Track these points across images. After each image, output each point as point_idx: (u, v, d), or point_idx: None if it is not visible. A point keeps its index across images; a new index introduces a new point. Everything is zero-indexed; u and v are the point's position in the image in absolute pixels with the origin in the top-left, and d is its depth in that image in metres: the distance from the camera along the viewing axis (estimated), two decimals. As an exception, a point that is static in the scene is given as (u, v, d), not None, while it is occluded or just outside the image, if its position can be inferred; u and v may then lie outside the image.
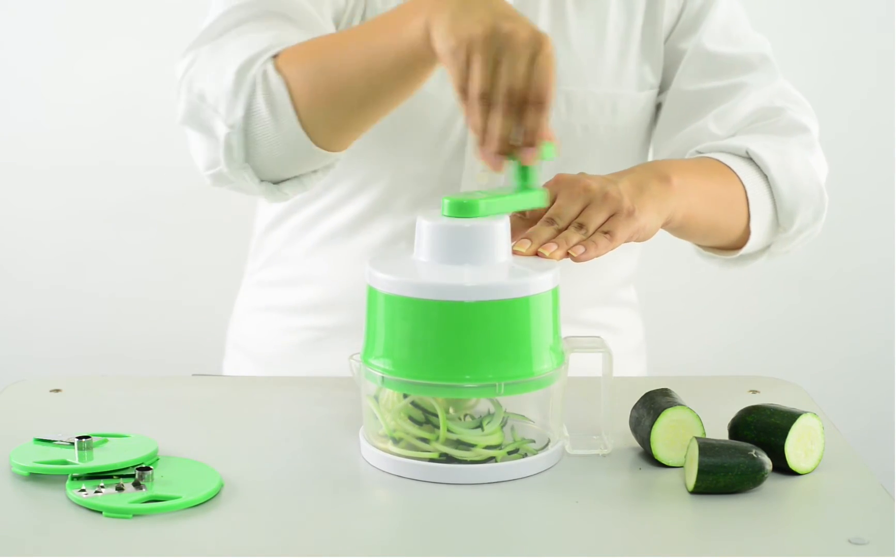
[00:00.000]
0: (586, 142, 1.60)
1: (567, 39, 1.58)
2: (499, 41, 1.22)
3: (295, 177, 1.42)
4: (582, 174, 1.36)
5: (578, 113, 1.59)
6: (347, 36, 1.36)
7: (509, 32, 1.22)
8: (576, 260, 1.30)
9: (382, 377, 1.26)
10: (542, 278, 1.26)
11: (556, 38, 1.58)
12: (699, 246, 1.59)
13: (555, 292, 1.28)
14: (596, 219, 1.33)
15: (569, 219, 1.32)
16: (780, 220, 1.55)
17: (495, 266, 1.27)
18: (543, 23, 1.58)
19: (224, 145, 1.39)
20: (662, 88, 1.63)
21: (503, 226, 1.28)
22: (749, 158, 1.54)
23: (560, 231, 1.31)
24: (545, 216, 1.33)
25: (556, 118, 1.58)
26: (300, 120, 1.36)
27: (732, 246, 1.56)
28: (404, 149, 1.58)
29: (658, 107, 1.64)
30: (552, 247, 1.30)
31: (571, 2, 1.58)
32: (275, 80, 1.36)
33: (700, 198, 1.45)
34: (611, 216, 1.33)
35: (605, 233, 1.32)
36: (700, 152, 1.56)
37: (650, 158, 1.66)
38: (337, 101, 1.36)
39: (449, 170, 1.59)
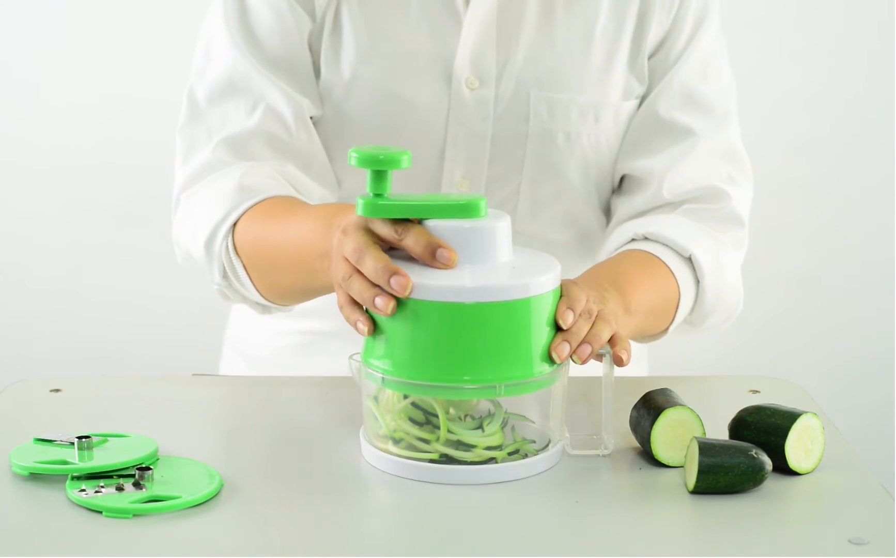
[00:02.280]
0: (568, 150, 1.59)
1: (553, 44, 1.57)
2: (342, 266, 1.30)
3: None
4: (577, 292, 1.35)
5: (561, 120, 1.58)
6: (277, 256, 1.48)
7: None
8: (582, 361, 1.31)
9: (383, 378, 1.26)
10: (543, 279, 1.26)
11: (542, 42, 1.57)
12: None
13: (555, 293, 1.28)
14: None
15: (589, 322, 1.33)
16: (692, 318, 1.56)
17: (496, 267, 1.27)
18: (530, 22, 1.56)
19: (219, 293, 1.56)
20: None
21: (504, 227, 1.28)
22: (688, 258, 1.54)
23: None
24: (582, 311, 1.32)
25: (537, 124, 1.57)
26: (260, 293, 1.52)
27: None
28: None
29: None
30: (587, 349, 1.29)
31: (562, 1, 1.57)
32: (235, 261, 1.51)
33: (643, 317, 1.47)
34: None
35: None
36: (647, 237, 1.55)
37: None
38: (282, 295, 1.53)
39: (429, 173, 1.59)
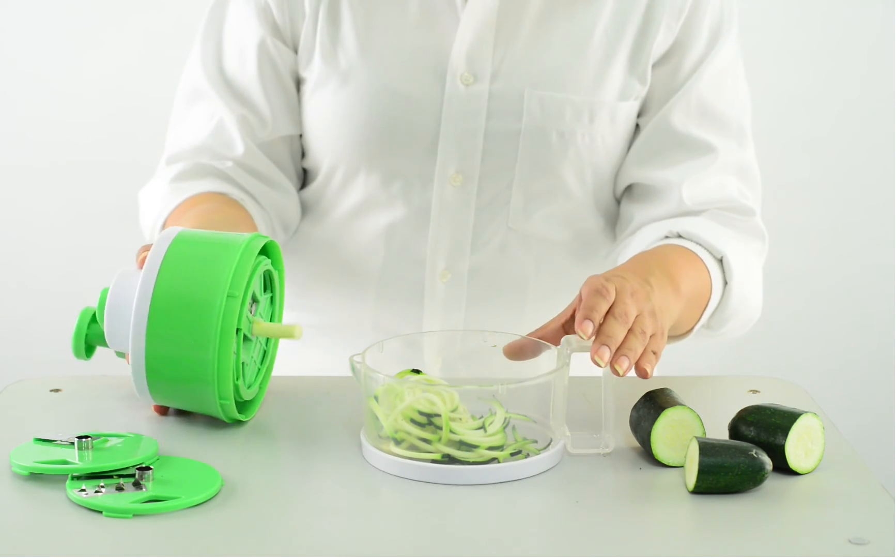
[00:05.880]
0: (561, 148, 1.58)
1: (550, 44, 1.56)
2: None
3: None
4: (610, 285, 1.34)
5: (554, 118, 1.57)
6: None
7: None
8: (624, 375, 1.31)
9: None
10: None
11: (540, 41, 1.56)
12: None
13: None
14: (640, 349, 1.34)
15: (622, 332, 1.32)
16: (711, 322, 1.55)
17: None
18: (530, 22, 1.56)
19: None
20: (643, 111, 1.62)
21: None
22: (719, 260, 1.54)
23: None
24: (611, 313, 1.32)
25: (530, 121, 1.57)
26: None
27: None
28: (380, 157, 1.59)
29: (636, 127, 1.62)
30: (625, 361, 1.29)
31: (564, 2, 1.56)
32: None
33: (686, 305, 1.47)
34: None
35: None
36: (681, 236, 1.55)
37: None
38: None
39: (423, 168, 1.59)
